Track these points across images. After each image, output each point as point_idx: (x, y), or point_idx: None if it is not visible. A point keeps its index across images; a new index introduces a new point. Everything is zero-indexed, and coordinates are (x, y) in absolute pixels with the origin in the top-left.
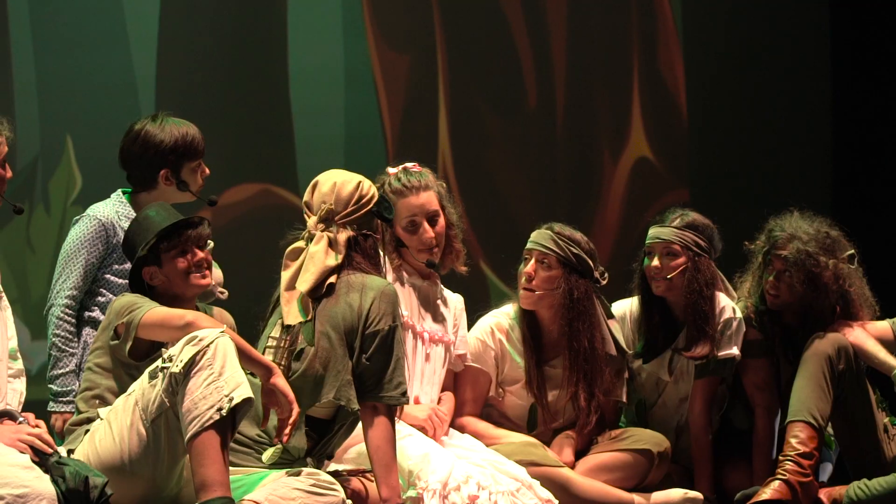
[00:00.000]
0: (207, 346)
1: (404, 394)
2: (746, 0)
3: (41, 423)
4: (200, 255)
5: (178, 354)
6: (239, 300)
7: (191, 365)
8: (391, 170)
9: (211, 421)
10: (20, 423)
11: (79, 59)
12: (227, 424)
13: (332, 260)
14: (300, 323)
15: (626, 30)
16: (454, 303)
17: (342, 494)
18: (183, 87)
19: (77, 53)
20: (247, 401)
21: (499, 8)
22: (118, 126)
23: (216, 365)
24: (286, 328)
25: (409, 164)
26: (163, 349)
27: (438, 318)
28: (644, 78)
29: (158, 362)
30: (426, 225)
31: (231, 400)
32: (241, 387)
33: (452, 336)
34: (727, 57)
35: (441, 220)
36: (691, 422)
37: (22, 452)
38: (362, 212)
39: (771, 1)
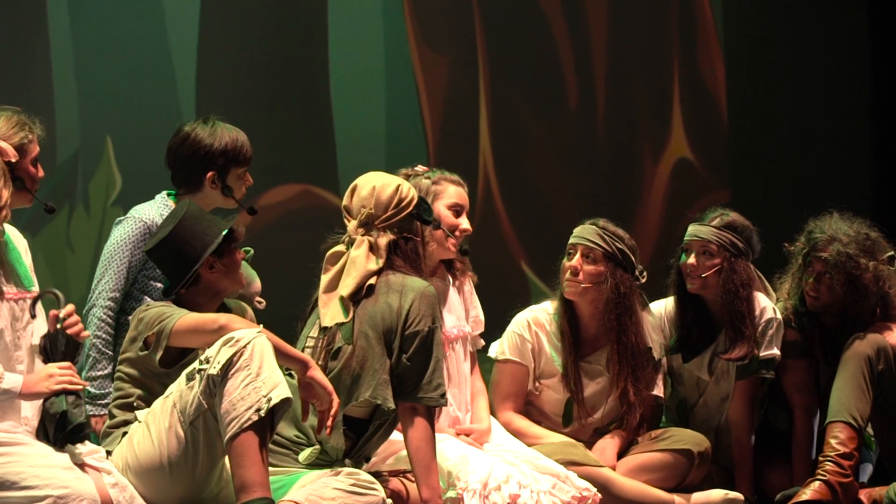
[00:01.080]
0: (244, 346)
1: (443, 395)
2: (786, 1)
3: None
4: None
5: (216, 356)
6: (278, 301)
7: (228, 366)
8: (419, 168)
9: (249, 422)
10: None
11: (119, 61)
12: (265, 425)
13: (374, 264)
14: (337, 324)
15: (667, 31)
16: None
17: (382, 494)
18: (223, 89)
19: (117, 56)
20: (285, 401)
21: (539, 9)
22: (158, 128)
23: (253, 365)
24: (323, 329)
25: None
26: (198, 352)
27: (453, 311)
28: (684, 79)
29: (195, 364)
30: (465, 215)
31: (269, 400)
32: (279, 387)
33: (465, 324)
34: (767, 58)
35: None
36: (732, 423)
37: (57, 395)
38: (402, 215)
39: (810, 2)
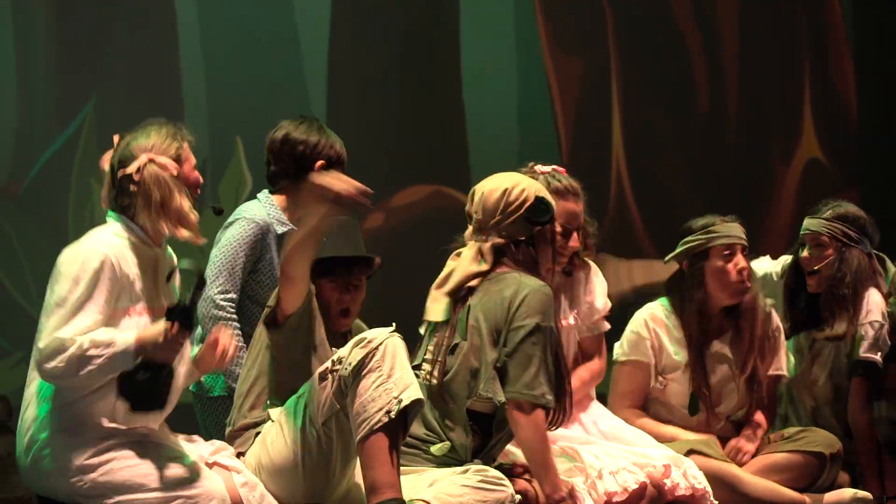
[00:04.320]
0: (376, 347)
1: (545, 395)
2: None
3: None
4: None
5: (347, 357)
6: (409, 300)
7: (360, 367)
8: (541, 168)
9: (380, 424)
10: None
11: (248, 60)
12: (397, 426)
13: (477, 266)
14: (444, 321)
15: (797, 32)
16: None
17: (511, 490)
18: (354, 89)
19: (246, 55)
20: (416, 402)
21: (670, 11)
22: None
23: (385, 367)
24: (440, 325)
25: (556, 167)
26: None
27: (561, 304)
28: (814, 80)
29: (328, 364)
30: (575, 233)
31: (400, 402)
32: (410, 388)
33: (570, 311)
34: None
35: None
36: (851, 422)
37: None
38: (510, 220)
39: None
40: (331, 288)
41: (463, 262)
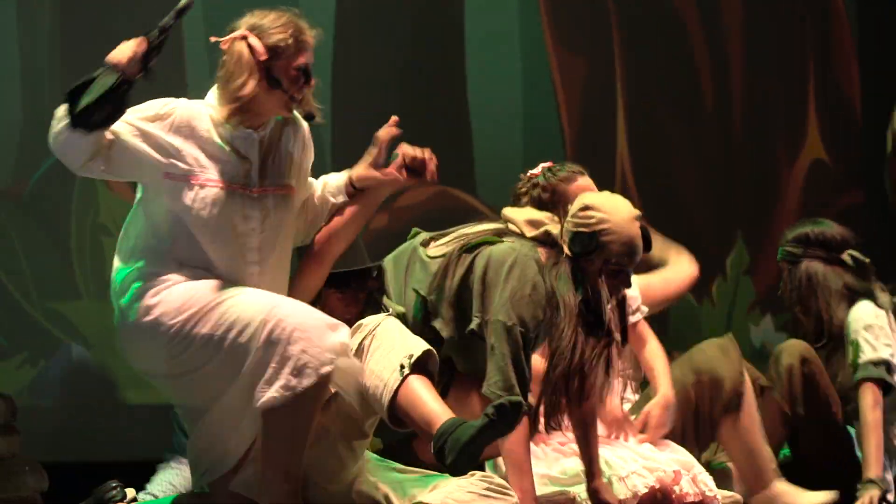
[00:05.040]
0: (372, 330)
1: (510, 390)
2: None
3: None
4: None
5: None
6: None
7: (360, 351)
8: (533, 171)
9: (397, 381)
10: None
11: None
12: (419, 377)
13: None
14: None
15: (801, 32)
16: None
17: (515, 498)
18: (358, 90)
19: None
20: (427, 352)
21: (675, 10)
22: None
23: (385, 343)
24: None
25: (543, 164)
26: None
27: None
28: (819, 80)
29: None
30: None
31: (411, 356)
32: (416, 345)
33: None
34: None
35: None
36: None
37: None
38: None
39: None
40: (338, 298)
41: (517, 214)
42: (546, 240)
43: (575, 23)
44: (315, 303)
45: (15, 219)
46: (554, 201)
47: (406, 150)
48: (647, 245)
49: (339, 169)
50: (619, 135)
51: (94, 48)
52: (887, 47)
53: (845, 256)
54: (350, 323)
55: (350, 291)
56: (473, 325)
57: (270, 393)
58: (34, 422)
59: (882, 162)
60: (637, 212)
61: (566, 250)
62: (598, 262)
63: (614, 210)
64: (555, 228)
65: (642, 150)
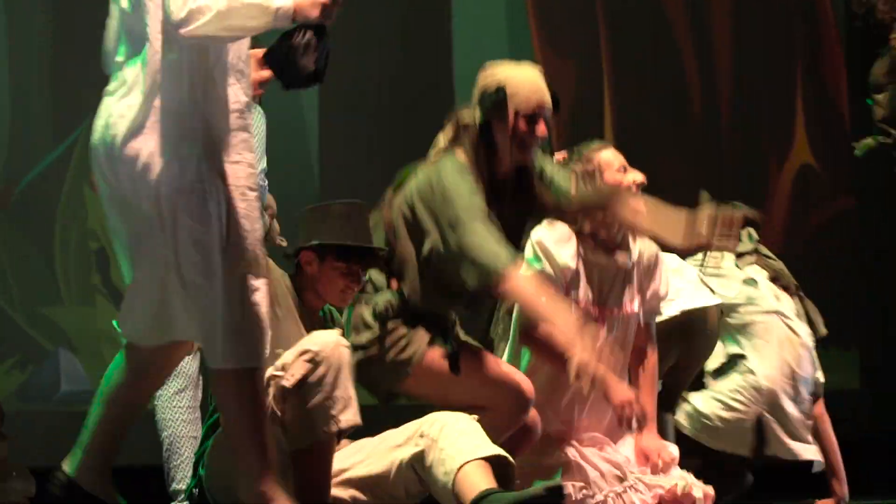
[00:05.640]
0: (320, 361)
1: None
2: None
3: None
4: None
5: (291, 366)
6: None
7: (303, 381)
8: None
9: (318, 440)
10: None
11: None
12: (332, 442)
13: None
14: None
15: (790, 37)
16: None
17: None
18: (347, 99)
19: None
20: (353, 426)
21: (663, 14)
22: None
23: (328, 381)
24: None
25: None
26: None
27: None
28: (807, 85)
29: (270, 369)
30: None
31: (338, 423)
32: (349, 410)
33: (637, 294)
34: None
35: None
36: None
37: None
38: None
39: None
40: (339, 272)
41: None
42: (459, 134)
43: (562, 26)
44: (317, 273)
45: (0, 227)
46: (591, 171)
47: None
48: (556, 103)
49: (324, 168)
50: (606, 138)
51: (86, 59)
52: (875, 54)
53: None
54: (344, 300)
55: (353, 266)
56: (428, 244)
57: None
58: (22, 427)
59: (871, 167)
60: (538, 67)
61: (477, 119)
62: (510, 117)
63: (516, 67)
64: (467, 115)
65: (629, 154)
